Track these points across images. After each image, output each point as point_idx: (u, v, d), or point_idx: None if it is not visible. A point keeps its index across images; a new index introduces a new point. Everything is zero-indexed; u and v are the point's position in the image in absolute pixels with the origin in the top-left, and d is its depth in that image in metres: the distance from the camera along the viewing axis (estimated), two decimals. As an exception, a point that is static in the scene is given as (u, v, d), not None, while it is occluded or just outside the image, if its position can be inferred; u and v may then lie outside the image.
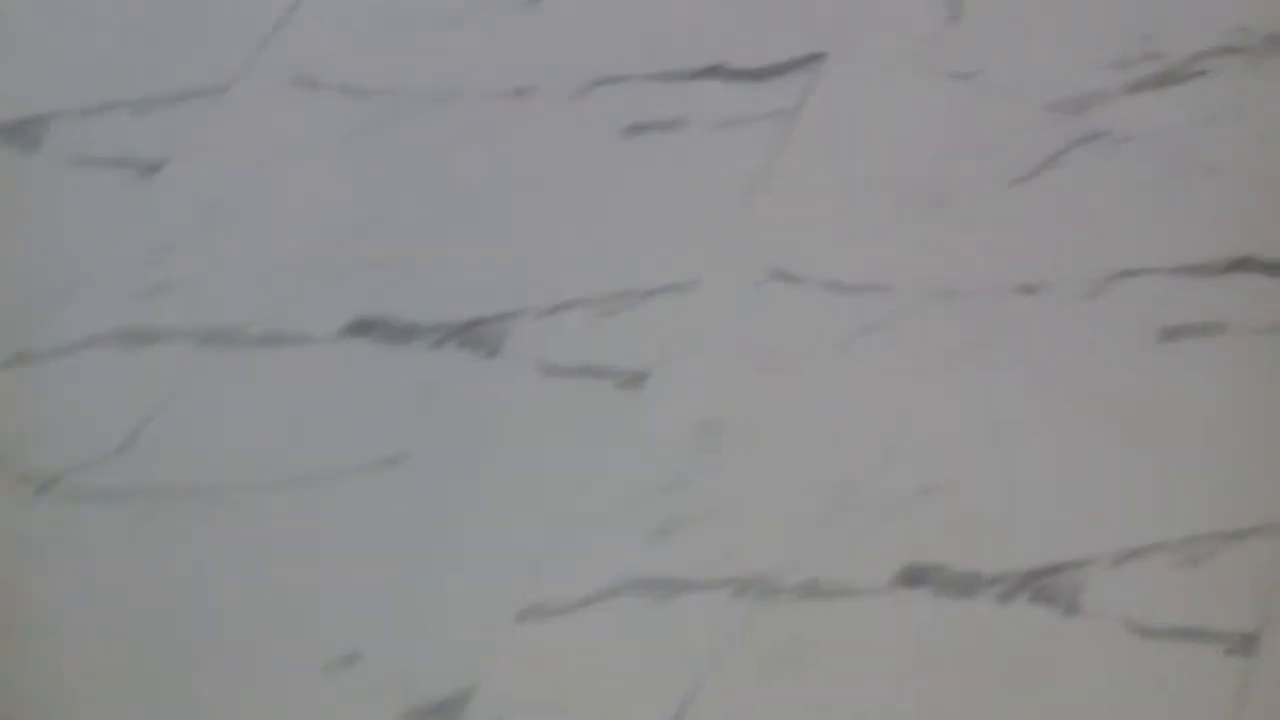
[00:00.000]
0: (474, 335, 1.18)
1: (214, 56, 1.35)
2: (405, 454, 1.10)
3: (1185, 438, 1.11)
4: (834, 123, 1.30)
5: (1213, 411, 1.12)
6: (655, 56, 1.34)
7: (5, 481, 1.06)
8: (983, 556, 1.03)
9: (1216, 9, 1.33)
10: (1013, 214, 1.24)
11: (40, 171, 1.29)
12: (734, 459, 1.11)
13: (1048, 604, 1.01)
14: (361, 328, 1.18)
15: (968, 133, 1.29)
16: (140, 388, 1.14)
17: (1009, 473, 1.09)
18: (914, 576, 1.02)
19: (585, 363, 1.16)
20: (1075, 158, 1.26)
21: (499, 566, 1.05)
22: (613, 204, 1.26)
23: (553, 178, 1.28)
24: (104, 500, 1.07)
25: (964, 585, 1.02)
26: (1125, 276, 1.19)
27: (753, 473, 1.10)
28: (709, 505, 1.08)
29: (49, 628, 1.01)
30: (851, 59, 1.33)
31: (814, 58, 1.33)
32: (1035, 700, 0.98)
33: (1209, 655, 0.99)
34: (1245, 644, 0.98)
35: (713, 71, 1.33)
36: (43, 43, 1.39)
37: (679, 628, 1.02)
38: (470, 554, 1.07)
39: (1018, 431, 1.11)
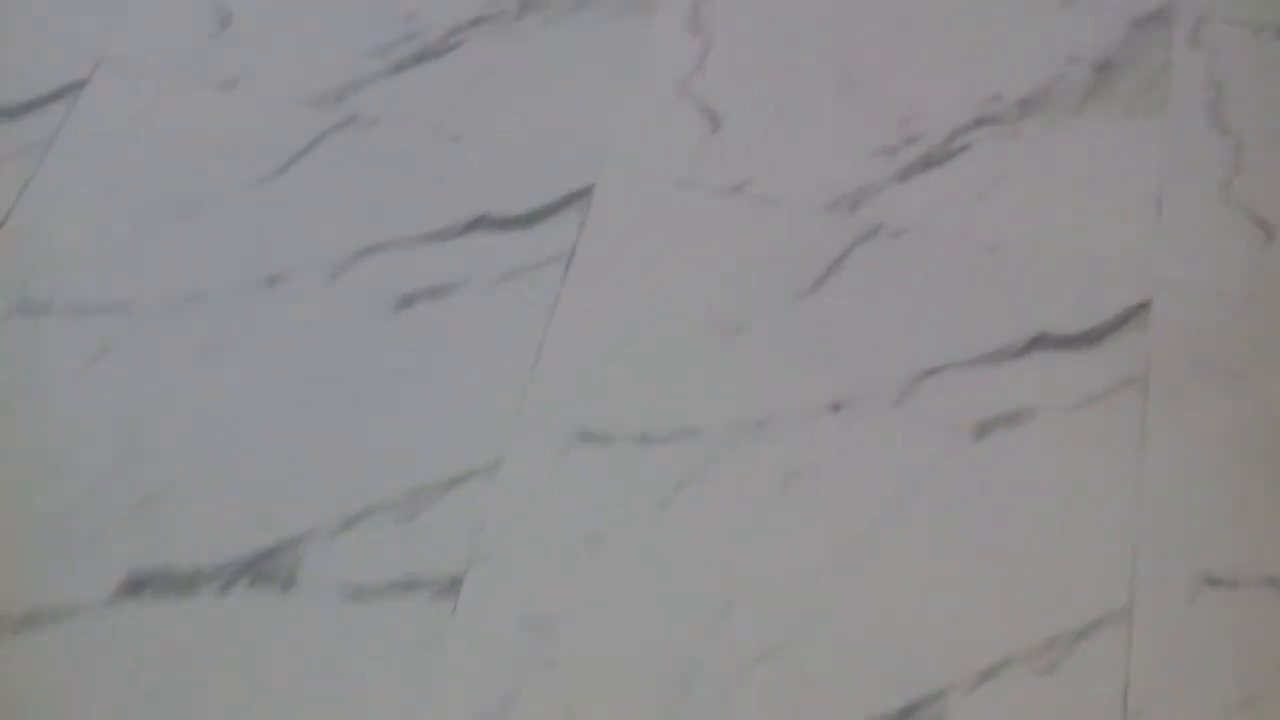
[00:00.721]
0: (264, 569, 1.07)
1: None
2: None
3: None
4: (612, 259, 1.24)
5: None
6: (416, 216, 1.26)
7: None
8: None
9: (966, 83, 1.33)
10: (808, 327, 1.20)
11: None
12: (569, 657, 1.03)
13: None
14: (136, 585, 1.06)
15: (752, 246, 1.25)
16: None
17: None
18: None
19: (393, 576, 1.07)
20: (857, 257, 1.23)
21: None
22: (394, 389, 1.17)
23: (322, 369, 1.18)
24: None
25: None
26: (929, 375, 1.17)
27: (589, 670, 1.03)
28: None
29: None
30: (621, 186, 1.27)
31: (582, 192, 1.27)
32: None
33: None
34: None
35: (479, 223, 1.25)
36: None
37: None
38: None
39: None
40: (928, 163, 1.28)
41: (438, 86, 1.33)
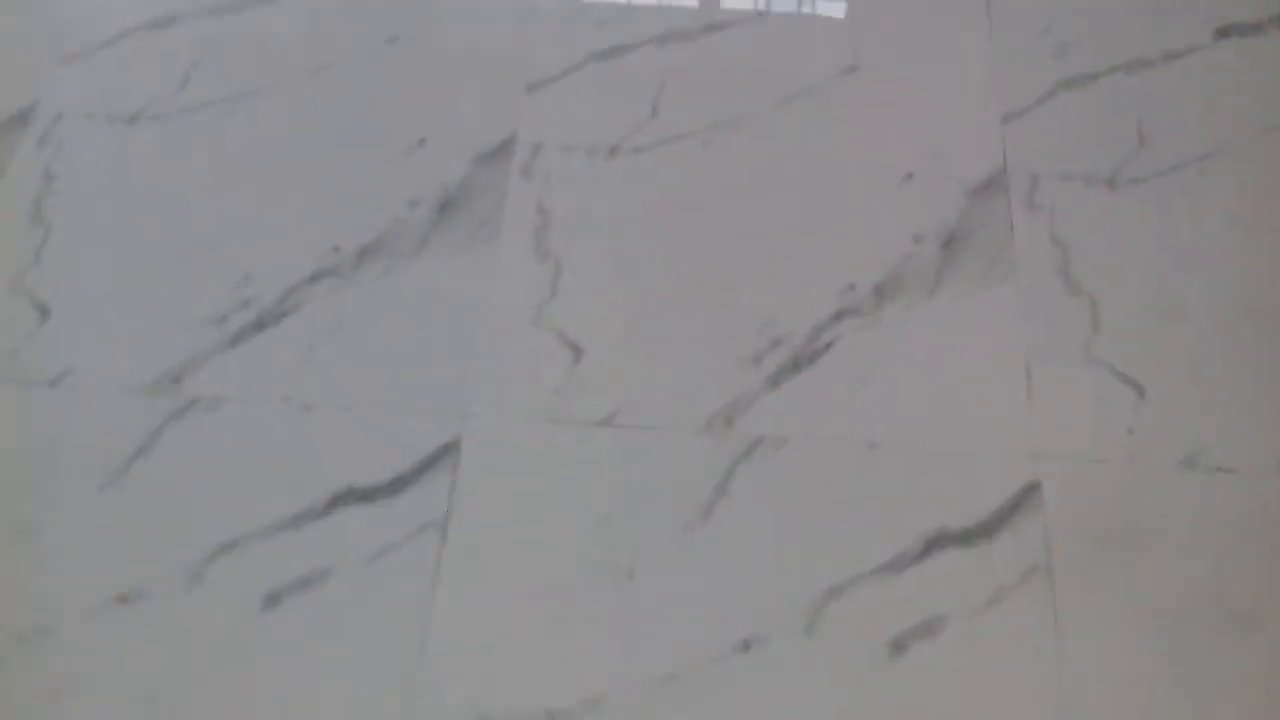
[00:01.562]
0: None
1: None
2: None
3: None
4: (489, 518, 1.18)
5: None
6: (273, 501, 1.17)
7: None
8: None
9: (821, 277, 1.32)
10: (702, 561, 1.15)
11: None
12: None
13: None
14: None
15: (632, 480, 1.20)
16: None
17: None
18: None
19: None
20: (741, 477, 1.19)
21: None
22: (269, 696, 1.07)
23: (186, 688, 1.07)
24: None
25: None
26: (835, 595, 1.12)
27: None
28: None
29: None
30: (489, 435, 1.22)
31: (448, 447, 1.21)
32: None
33: None
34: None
35: (343, 498, 1.18)
36: None
37: None
38: None
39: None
40: (796, 365, 1.26)
41: (281, 354, 1.26)
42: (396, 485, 1.19)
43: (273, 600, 1.12)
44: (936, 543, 1.15)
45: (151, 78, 1.48)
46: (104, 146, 1.43)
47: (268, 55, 1.50)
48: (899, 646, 1.10)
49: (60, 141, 1.43)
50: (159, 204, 1.38)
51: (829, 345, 1.27)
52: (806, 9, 1.57)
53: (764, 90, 1.47)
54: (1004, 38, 1.52)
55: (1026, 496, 1.18)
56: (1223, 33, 1.54)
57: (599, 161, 1.41)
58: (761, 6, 1.57)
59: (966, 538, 1.15)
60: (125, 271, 1.32)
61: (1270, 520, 1.17)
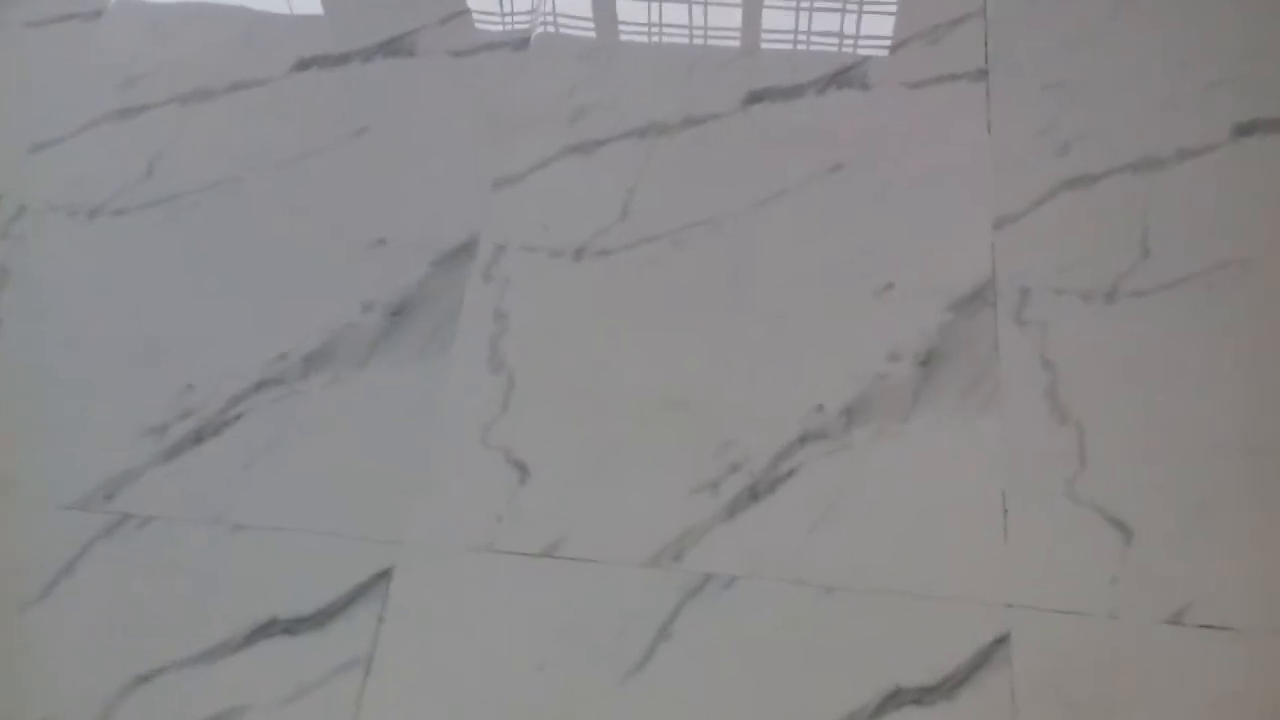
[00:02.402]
0: None
1: None
2: None
3: None
4: (416, 657, 1.11)
5: None
6: (195, 629, 1.13)
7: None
8: None
9: (785, 395, 1.24)
10: (638, 712, 1.07)
11: None
12: None
13: None
14: None
15: (571, 618, 1.13)
16: None
17: None
18: None
19: None
20: (685, 619, 1.12)
21: None
22: None
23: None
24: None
25: None
26: None
27: None
28: None
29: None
30: (423, 565, 1.15)
31: (380, 577, 1.15)
32: None
33: None
34: None
35: (267, 629, 1.12)
36: None
37: None
38: None
39: None
40: (755, 494, 1.18)
41: (218, 470, 1.22)
42: (321, 618, 1.13)
43: (185, 744, 1.07)
44: (892, 700, 1.07)
45: (116, 169, 1.45)
46: (62, 241, 1.40)
47: (235, 145, 1.47)
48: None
49: (22, 236, 1.41)
50: (111, 303, 1.34)
51: (791, 473, 1.19)
52: (795, 102, 1.49)
53: (742, 188, 1.40)
54: (1002, 132, 1.44)
55: (994, 651, 1.08)
56: (1244, 130, 1.43)
57: (564, 264, 1.35)
58: (745, 99, 1.49)
59: (925, 697, 1.06)
60: (69, 375, 1.29)
61: (1269, 687, 1.06)
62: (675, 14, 1.58)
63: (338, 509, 1.19)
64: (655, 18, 1.58)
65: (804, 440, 1.21)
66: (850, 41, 1.54)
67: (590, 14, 1.59)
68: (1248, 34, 1.50)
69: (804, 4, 1.58)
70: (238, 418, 1.25)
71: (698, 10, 1.58)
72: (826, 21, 1.56)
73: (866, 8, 1.57)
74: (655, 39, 1.56)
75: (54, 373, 1.30)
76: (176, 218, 1.41)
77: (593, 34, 1.56)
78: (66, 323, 1.34)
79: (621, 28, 1.57)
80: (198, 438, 1.24)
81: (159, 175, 1.45)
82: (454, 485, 1.20)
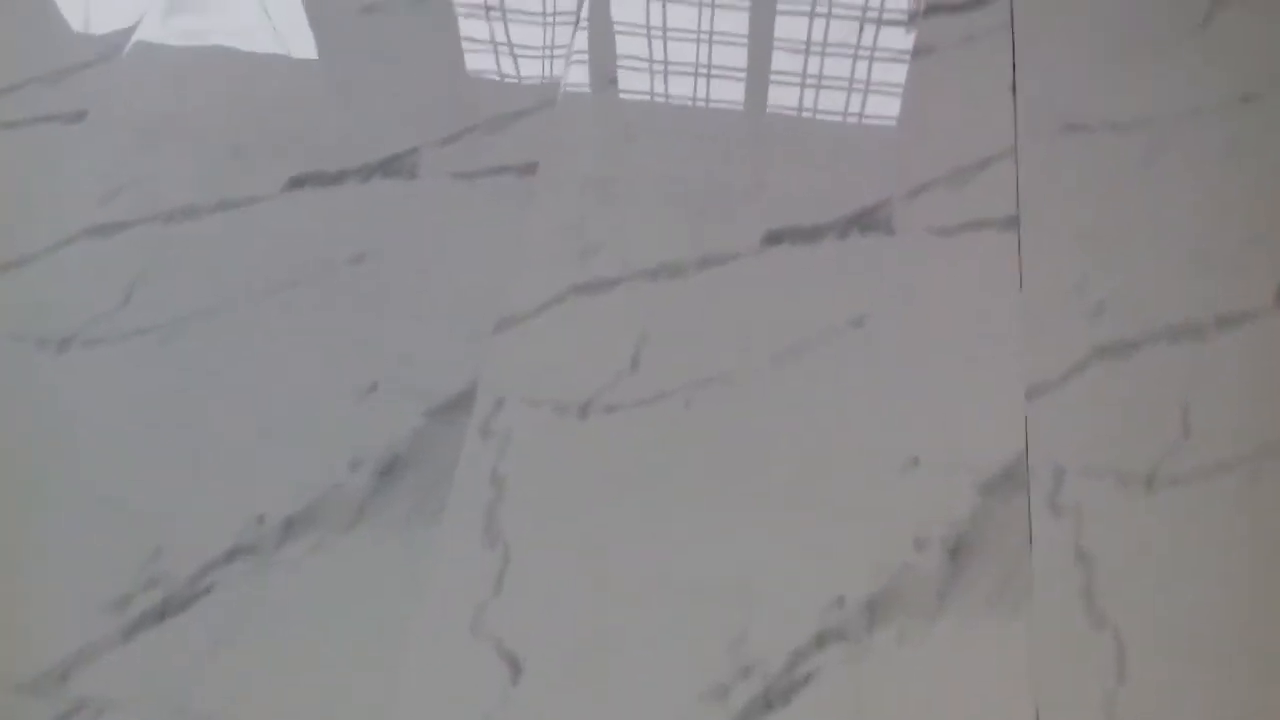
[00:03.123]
0: None
1: None
2: None
3: None
4: None
5: None
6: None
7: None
8: None
9: (797, 584, 1.15)
10: None
11: None
12: None
13: None
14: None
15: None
16: None
17: None
18: None
19: None
20: None
21: None
22: None
23: None
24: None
25: None
26: None
27: None
28: None
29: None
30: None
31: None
32: None
33: None
34: None
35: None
36: None
37: None
38: None
39: None
40: (768, 702, 1.09)
41: (182, 650, 1.12)
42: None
43: None
44: None
45: (92, 293, 1.36)
46: (27, 378, 1.30)
47: (219, 271, 1.38)
48: None
49: (-18, 368, 1.31)
50: (76, 452, 1.24)
51: (808, 678, 1.10)
52: (816, 245, 1.41)
53: (759, 341, 1.32)
54: (1034, 288, 1.36)
55: None
56: (1285, 293, 1.36)
57: (568, 421, 1.26)
58: (764, 239, 1.41)
59: None
60: (27, 537, 1.19)
61: None
62: (691, 141, 1.50)
63: (308, 704, 1.09)
64: (671, 145, 1.50)
65: (822, 640, 1.12)
66: (874, 180, 1.46)
67: (603, 139, 1.50)
68: (1290, 191, 1.44)
69: (825, 135, 1.50)
70: (207, 590, 1.15)
71: (716, 139, 1.50)
72: (850, 156, 1.48)
73: (891, 146, 1.50)
74: (671, 166, 1.47)
75: (9, 529, 1.20)
76: (151, 353, 1.31)
77: (606, 160, 1.48)
78: (24, 479, 1.23)
79: (635, 154, 1.49)
80: (162, 613, 1.14)
81: (136, 303, 1.35)
82: (441, 681, 1.11)
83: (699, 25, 1.62)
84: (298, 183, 1.45)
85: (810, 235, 1.41)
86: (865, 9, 1.64)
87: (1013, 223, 1.41)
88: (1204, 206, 1.43)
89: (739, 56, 1.58)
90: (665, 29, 1.62)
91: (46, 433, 1.26)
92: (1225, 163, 1.47)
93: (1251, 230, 1.41)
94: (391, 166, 1.47)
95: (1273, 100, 1.51)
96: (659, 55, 1.59)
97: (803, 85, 1.55)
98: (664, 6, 1.64)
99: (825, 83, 1.56)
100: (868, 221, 1.42)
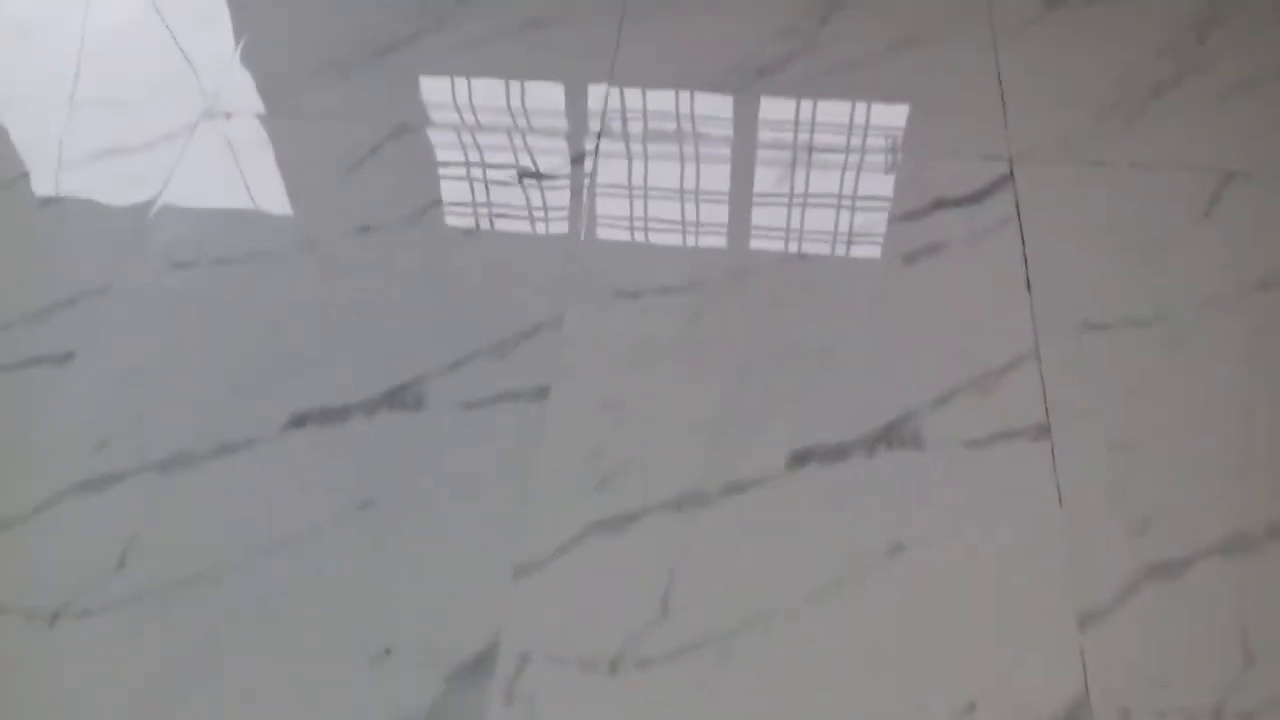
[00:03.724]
0: None
1: None
2: None
3: None
4: None
5: None
6: None
7: None
8: None
9: None
10: None
11: None
12: None
13: None
14: None
15: None
16: None
17: None
18: None
19: None
20: None
21: None
22: None
23: None
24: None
25: None
26: None
27: None
28: None
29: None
30: None
31: None
32: None
33: None
34: None
35: None
36: None
37: None
38: None
39: None
40: None
41: None
42: None
43: None
44: None
45: (83, 558, 1.28)
46: (16, 655, 1.21)
47: (219, 526, 1.30)
48: None
49: (-34, 644, 1.22)
50: (68, 742, 1.15)
51: None
52: (843, 465, 1.35)
53: (794, 575, 1.26)
54: (1074, 504, 1.31)
55: None
56: (1330, 492, 1.32)
57: (598, 680, 1.19)
58: (790, 460, 1.36)
59: None
60: None
61: None
62: (705, 356, 1.45)
63: None
64: (685, 362, 1.45)
65: None
66: (897, 390, 1.42)
67: (614, 358, 1.45)
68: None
69: (842, 344, 1.46)
70: None
71: (731, 352, 1.45)
72: (869, 365, 1.44)
73: (910, 352, 1.46)
74: (686, 384, 1.42)
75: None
76: (146, 623, 1.23)
77: (618, 380, 1.43)
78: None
79: (649, 373, 1.44)
80: None
81: (130, 566, 1.27)
82: None
83: (687, 235, 1.60)
84: (299, 421, 1.39)
85: (837, 454, 1.36)
86: (867, 208, 1.62)
87: (1044, 431, 1.37)
88: (1234, 401, 1.40)
89: (746, 263, 1.55)
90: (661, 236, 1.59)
91: (38, 718, 1.17)
92: (1250, 352, 1.44)
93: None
94: (397, 398, 1.41)
95: (1291, 286, 1.50)
96: (665, 266, 1.55)
97: (812, 293, 1.52)
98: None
99: (837, 288, 1.52)
100: (895, 436, 1.37)
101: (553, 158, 1.67)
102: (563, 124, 1.73)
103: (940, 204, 1.61)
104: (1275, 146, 1.65)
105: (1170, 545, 1.28)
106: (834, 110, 1.74)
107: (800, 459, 1.36)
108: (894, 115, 1.73)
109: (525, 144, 1.69)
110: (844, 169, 1.67)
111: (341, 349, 1.46)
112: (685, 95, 1.76)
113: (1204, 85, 1.75)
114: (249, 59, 1.85)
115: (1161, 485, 1.32)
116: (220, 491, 1.33)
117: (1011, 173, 1.64)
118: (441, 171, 1.66)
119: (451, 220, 1.61)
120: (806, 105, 1.75)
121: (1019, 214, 1.59)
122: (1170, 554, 1.27)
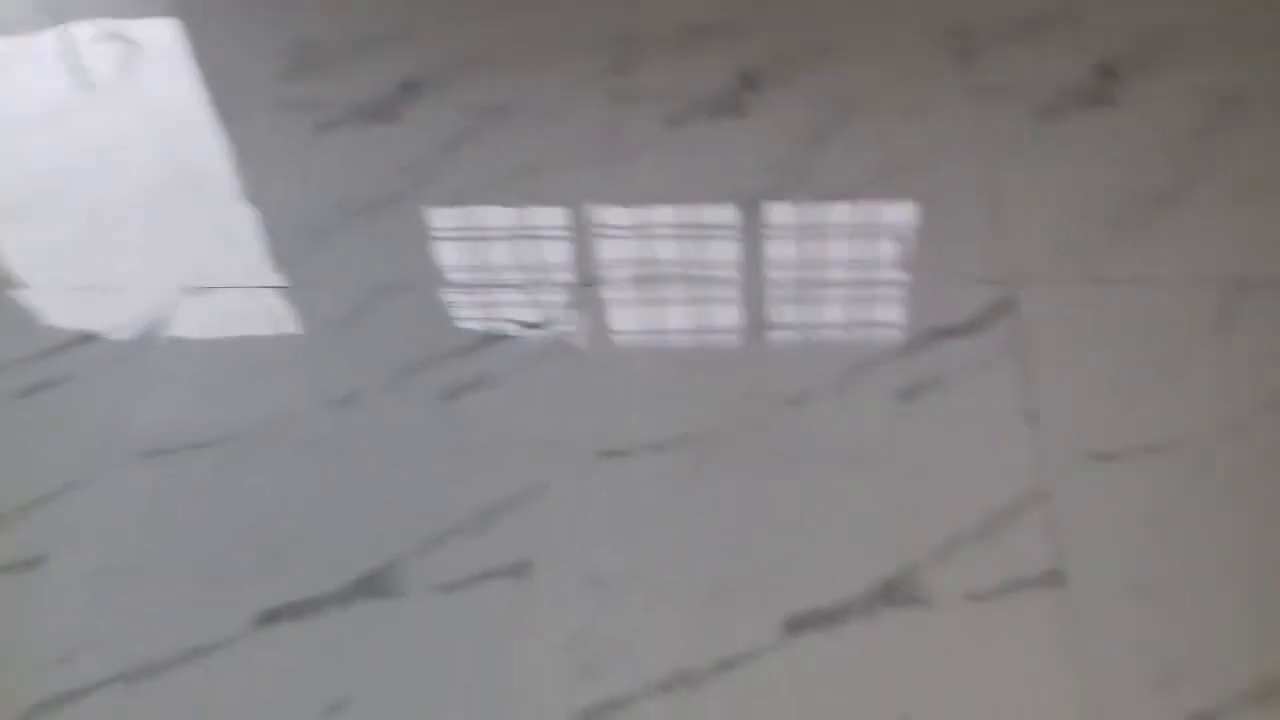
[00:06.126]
0: None
1: None
2: None
3: None
4: None
5: None
6: None
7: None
8: None
9: None
10: None
11: None
12: None
13: None
14: None
15: None
16: None
17: None
18: None
19: None
20: None
21: None
22: None
23: None
24: None
25: None
26: None
27: None
28: None
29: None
30: None
31: None
32: None
33: None
34: None
35: None
36: None
37: None
38: None
39: None
40: None
41: None
42: None
43: None
44: None
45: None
46: None
47: (187, 740, 1.24)
48: None
49: None
50: None
51: None
52: (843, 629, 1.27)
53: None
54: (1095, 663, 1.21)
55: None
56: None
57: None
58: (784, 627, 1.27)
59: None
60: None
61: None
62: (692, 521, 1.38)
63: None
64: (670, 528, 1.38)
65: None
66: (895, 541, 1.34)
67: (599, 525, 1.39)
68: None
69: (836, 492, 1.39)
70: None
71: (716, 514, 1.39)
72: (863, 515, 1.37)
73: (907, 497, 1.38)
74: (672, 552, 1.35)
75: None
76: None
77: (603, 551, 1.36)
78: None
79: (635, 540, 1.37)
80: None
81: (95, 797, 1.21)
82: None
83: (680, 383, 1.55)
84: (272, 616, 1.33)
85: (835, 617, 1.28)
86: (861, 344, 1.56)
87: (1055, 579, 1.28)
88: (1257, 533, 1.30)
89: (736, 412, 1.49)
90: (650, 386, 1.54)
91: None
92: (1270, 478, 1.35)
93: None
94: (372, 584, 1.35)
95: (1308, 402, 1.41)
96: (649, 418, 1.50)
97: (803, 443, 1.45)
98: (655, 364, 1.57)
99: (830, 434, 1.45)
100: (896, 593, 1.29)
101: (537, 310, 1.64)
102: (548, 276, 1.69)
103: (937, 334, 1.55)
104: (1286, 250, 1.58)
105: (1199, 697, 1.17)
106: (824, 242, 1.70)
107: (795, 626, 1.28)
108: (886, 244, 1.68)
109: (511, 299, 1.66)
110: (836, 303, 1.61)
111: (314, 533, 1.41)
112: (676, 237, 1.73)
113: (1210, 191, 1.68)
114: (228, 233, 1.84)
115: (1183, 632, 1.23)
116: (189, 701, 1.27)
117: (1012, 296, 1.57)
118: (420, 334, 1.63)
119: (429, 385, 1.56)
120: (798, 239, 1.70)
121: (1021, 340, 1.52)
122: (1200, 705, 1.17)
